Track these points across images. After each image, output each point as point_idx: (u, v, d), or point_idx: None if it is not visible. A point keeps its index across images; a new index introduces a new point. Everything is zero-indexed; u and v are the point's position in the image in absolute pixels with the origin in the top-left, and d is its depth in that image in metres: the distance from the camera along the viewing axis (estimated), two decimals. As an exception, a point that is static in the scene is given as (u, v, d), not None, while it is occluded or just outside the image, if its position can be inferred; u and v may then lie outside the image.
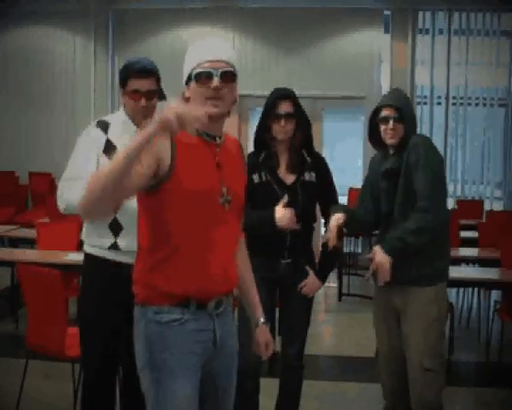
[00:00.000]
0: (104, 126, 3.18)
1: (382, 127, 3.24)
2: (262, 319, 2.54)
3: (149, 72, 3.13)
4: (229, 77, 2.24)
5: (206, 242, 2.23)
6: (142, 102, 3.12)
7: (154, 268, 2.23)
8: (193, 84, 2.23)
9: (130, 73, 3.12)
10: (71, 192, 3.06)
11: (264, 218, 3.35)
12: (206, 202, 2.22)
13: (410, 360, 3.23)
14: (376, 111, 3.29)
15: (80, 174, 3.08)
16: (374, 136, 3.35)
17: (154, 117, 1.96)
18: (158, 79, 3.19)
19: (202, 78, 2.21)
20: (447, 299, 3.42)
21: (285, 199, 3.32)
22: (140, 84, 3.11)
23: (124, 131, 3.18)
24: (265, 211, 3.34)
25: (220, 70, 2.21)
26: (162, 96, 3.31)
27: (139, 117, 3.16)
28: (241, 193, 2.40)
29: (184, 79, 2.28)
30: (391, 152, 3.29)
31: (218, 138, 2.30)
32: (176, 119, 1.93)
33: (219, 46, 2.27)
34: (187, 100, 2.27)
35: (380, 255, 3.10)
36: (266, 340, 2.54)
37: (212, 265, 2.24)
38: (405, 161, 3.17)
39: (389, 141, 3.23)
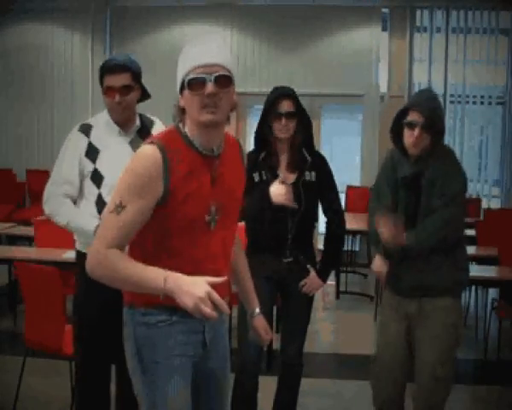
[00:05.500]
0: (86, 130, 3.21)
1: (407, 132, 3.03)
2: (258, 309, 2.58)
3: (122, 67, 3.11)
4: (224, 81, 2.11)
5: (195, 256, 2.20)
6: (117, 97, 3.11)
7: None
8: (186, 92, 2.12)
9: (104, 70, 3.15)
10: (52, 204, 3.17)
11: (260, 200, 3.34)
12: (196, 223, 2.18)
13: (419, 367, 3.18)
14: (403, 111, 3.07)
15: (63, 179, 3.17)
16: (394, 136, 3.15)
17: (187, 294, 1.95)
18: (135, 75, 3.16)
19: (195, 84, 2.09)
20: (462, 309, 3.33)
21: (281, 177, 3.32)
22: (113, 80, 3.11)
23: (107, 132, 3.21)
24: (261, 194, 3.34)
25: (214, 75, 2.08)
26: (146, 95, 3.29)
27: (115, 115, 3.19)
28: (238, 200, 2.36)
29: (178, 87, 2.17)
30: (411, 159, 3.10)
31: (215, 149, 2.22)
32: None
33: (212, 49, 2.12)
34: (182, 110, 2.18)
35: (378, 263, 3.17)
36: (264, 326, 2.57)
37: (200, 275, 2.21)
38: (428, 173, 3.05)
39: (411, 150, 3.04)
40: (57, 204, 3.15)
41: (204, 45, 2.14)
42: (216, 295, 1.94)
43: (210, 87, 2.08)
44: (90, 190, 3.16)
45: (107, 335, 3.19)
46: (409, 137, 3.03)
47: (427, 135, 3.01)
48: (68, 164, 3.18)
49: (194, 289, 1.94)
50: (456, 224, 3.15)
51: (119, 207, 2.07)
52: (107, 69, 3.13)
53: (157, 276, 2.00)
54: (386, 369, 3.29)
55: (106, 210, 2.16)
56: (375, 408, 3.39)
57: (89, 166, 3.16)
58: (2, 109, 10.36)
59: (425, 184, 3.07)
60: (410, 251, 3.07)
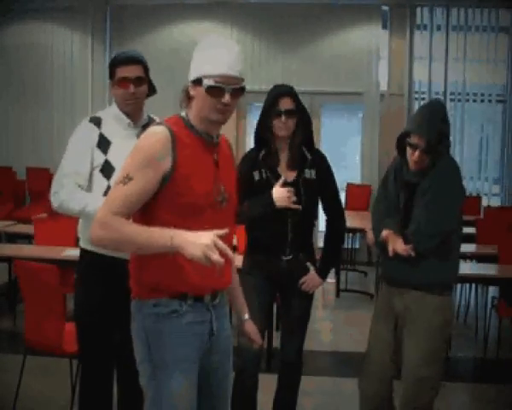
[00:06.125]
0: (97, 121, 3.22)
1: (409, 151, 3.13)
2: (246, 315, 2.63)
3: (136, 59, 3.19)
4: (239, 93, 2.27)
5: None
6: (131, 88, 3.15)
7: (148, 265, 2.25)
8: (202, 90, 2.23)
9: (117, 62, 3.18)
10: (65, 193, 3.11)
11: (262, 201, 3.35)
12: (204, 202, 2.25)
13: (405, 365, 3.18)
14: (406, 133, 3.15)
15: (74, 170, 3.14)
16: (399, 146, 3.23)
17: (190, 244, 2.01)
18: (146, 69, 3.22)
19: (214, 91, 2.22)
20: (452, 310, 3.35)
21: (282, 180, 3.31)
22: (127, 71, 3.15)
23: (116, 124, 3.22)
24: (263, 195, 3.34)
25: (232, 87, 2.23)
26: (153, 91, 3.31)
27: (129, 106, 3.21)
28: (235, 191, 2.44)
29: (192, 77, 2.27)
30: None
31: (215, 137, 2.35)
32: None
33: (234, 60, 2.26)
34: (191, 98, 2.29)
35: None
36: (254, 331, 2.63)
37: None
38: (423, 183, 3.09)
39: (412, 166, 3.13)
40: (69, 192, 3.12)
41: (227, 53, 2.25)
42: (221, 243, 2.01)
43: (227, 98, 2.23)
44: (99, 183, 3.15)
45: (109, 333, 3.20)
46: (410, 155, 3.13)
47: (427, 157, 3.09)
48: (79, 155, 3.17)
49: (200, 239, 2.02)
50: (429, 239, 3.10)
51: (126, 179, 2.17)
52: (120, 61, 3.18)
53: (163, 234, 2.08)
54: (374, 365, 3.30)
55: (113, 183, 2.23)
56: (360, 404, 3.39)
57: (100, 158, 3.17)
58: (1, 108, 10.36)
59: (419, 192, 3.11)
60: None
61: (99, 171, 3.16)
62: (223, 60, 2.23)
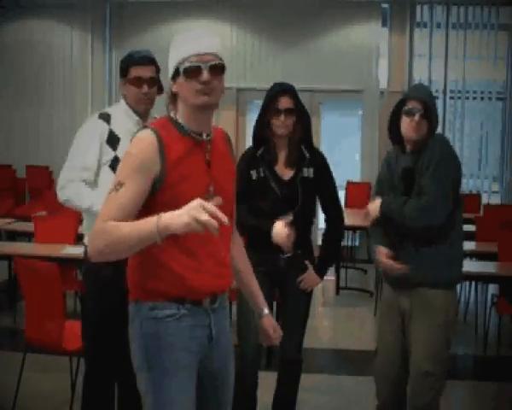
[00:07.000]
0: (106, 118, 3.27)
1: (406, 120, 3.10)
2: (266, 310, 2.57)
3: (150, 60, 3.25)
4: (217, 69, 2.21)
5: (197, 241, 2.18)
6: (145, 88, 3.22)
7: (145, 267, 2.22)
8: (181, 79, 2.21)
9: (132, 61, 3.24)
10: (71, 189, 3.18)
11: (261, 228, 3.35)
12: None
13: (411, 361, 3.18)
14: (400, 103, 3.15)
15: (80, 165, 3.20)
16: (392, 131, 3.22)
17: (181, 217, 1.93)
18: (158, 70, 3.28)
19: (191, 72, 2.18)
20: (456, 307, 3.34)
21: (289, 218, 3.27)
22: (142, 71, 3.22)
23: (126, 121, 3.27)
24: (265, 222, 3.34)
25: (209, 63, 2.18)
26: (160, 89, 3.35)
27: (140, 105, 3.27)
28: (231, 188, 2.39)
29: (170, 73, 2.25)
30: (408, 150, 3.16)
31: (205, 135, 2.27)
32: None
33: (205, 38, 2.22)
34: (174, 95, 2.26)
35: (373, 206, 3.20)
36: (273, 326, 2.57)
37: (203, 264, 2.22)
38: (422, 160, 3.07)
39: (411, 135, 3.09)
40: (77, 188, 3.18)
41: (196, 34, 2.23)
42: (210, 206, 1.91)
43: (205, 75, 2.17)
44: (108, 179, 3.15)
45: (116, 329, 3.21)
46: (408, 123, 3.10)
47: (426, 122, 3.08)
48: (88, 150, 3.22)
49: (186, 207, 1.94)
50: (442, 209, 3.10)
51: (118, 186, 2.14)
52: (135, 61, 3.24)
53: (149, 219, 2.01)
54: (382, 366, 3.31)
55: (107, 193, 2.19)
56: (377, 404, 3.40)
57: (109, 154, 3.22)
58: (1, 106, 10.35)
59: (420, 169, 3.09)
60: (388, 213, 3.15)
61: (108, 166, 3.22)
62: (193, 40, 2.21)
